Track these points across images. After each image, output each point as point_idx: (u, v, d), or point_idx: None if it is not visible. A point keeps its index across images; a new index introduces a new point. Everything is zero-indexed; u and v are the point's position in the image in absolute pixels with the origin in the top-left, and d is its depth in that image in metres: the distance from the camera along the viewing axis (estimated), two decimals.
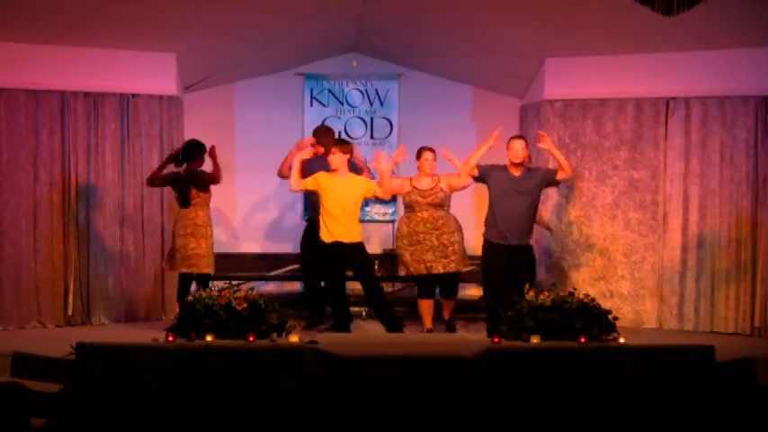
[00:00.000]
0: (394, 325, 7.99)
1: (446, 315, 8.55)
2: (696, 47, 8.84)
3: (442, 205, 8.28)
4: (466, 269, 8.46)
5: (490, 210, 8.02)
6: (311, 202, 8.82)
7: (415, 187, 8.27)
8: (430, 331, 8.32)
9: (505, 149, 8.05)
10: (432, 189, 8.23)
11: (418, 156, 8.36)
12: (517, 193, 7.91)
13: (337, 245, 7.95)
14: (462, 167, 8.05)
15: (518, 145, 7.97)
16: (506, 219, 7.89)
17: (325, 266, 8.13)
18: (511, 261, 7.89)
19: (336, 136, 9.35)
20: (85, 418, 5.72)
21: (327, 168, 8.09)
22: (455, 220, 8.35)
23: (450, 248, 8.21)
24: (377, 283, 8.21)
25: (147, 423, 5.85)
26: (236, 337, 6.32)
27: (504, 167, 8.03)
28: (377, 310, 8.26)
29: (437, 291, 8.55)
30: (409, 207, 8.30)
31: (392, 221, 10.05)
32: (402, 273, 8.46)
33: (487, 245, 8.02)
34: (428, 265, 8.20)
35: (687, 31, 8.34)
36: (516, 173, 7.97)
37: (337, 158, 8.01)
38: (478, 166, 8.03)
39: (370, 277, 8.15)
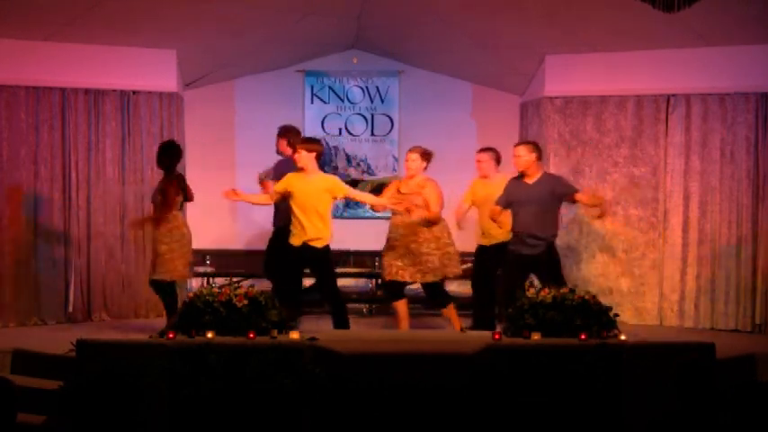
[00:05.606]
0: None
1: (456, 326, 7.93)
2: (696, 44, 8.83)
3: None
4: (452, 275, 8.03)
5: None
6: (281, 210, 8.11)
7: (398, 190, 7.95)
8: None
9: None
10: (411, 193, 7.85)
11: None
12: (528, 200, 7.65)
13: (306, 248, 7.57)
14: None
15: (518, 152, 7.77)
16: (521, 227, 7.65)
17: (289, 268, 7.75)
18: (531, 267, 7.74)
19: (340, 133, 9.21)
20: (85, 415, 5.71)
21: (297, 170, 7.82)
22: (443, 226, 7.90)
23: (423, 258, 7.78)
24: (333, 292, 7.80)
25: (147, 420, 5.85)
26: (237, 335, 6.31)
27: (518, 177, 7.85)
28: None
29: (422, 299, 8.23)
30: (393, 210, 7.98)
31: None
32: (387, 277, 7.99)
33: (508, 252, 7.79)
34: (396, 270, 7.84)
35: (687, 28, 8.34)
36: (529, 180, 7.75)
37: (303, 157, 7.60)
38: (500, 202, 7.77)
39: (327, 287, 7.78)
